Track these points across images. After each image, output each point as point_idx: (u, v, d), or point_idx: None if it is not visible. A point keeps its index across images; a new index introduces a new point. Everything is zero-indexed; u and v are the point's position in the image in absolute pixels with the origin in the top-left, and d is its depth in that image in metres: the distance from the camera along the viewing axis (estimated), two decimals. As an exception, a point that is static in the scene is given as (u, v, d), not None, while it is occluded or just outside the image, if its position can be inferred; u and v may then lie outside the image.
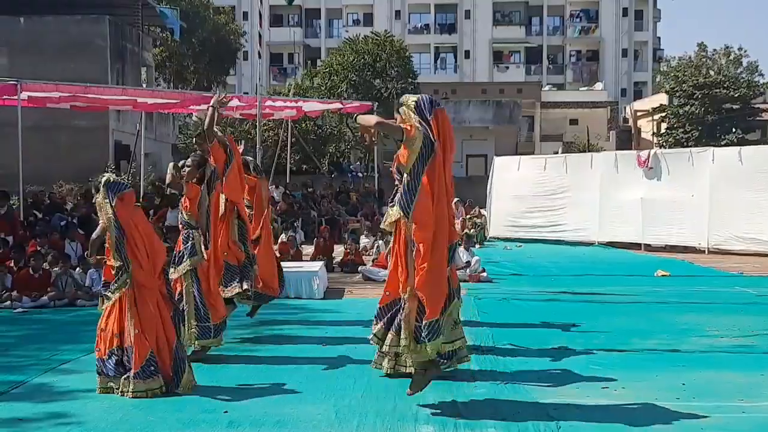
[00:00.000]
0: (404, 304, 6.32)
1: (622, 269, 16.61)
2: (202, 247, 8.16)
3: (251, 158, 10.05)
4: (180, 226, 8.45)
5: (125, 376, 6.80)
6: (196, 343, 8.11)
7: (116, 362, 6.89)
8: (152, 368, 6.79)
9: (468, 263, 14.78)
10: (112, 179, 7.12)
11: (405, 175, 6.24)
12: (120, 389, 6.81)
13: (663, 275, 15.39)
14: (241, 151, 9.43)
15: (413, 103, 6.36)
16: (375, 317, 6.72)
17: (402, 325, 6.31)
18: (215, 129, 8.60)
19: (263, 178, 10.31)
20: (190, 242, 8.18)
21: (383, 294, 6.68)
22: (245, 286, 8.86)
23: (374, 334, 6.68)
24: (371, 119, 6.80)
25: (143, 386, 6.73)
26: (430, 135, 6.19)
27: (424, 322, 6.14)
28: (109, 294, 7.00)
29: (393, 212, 6.43)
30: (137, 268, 6.92)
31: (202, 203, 8.24)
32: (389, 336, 6.50)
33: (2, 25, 28.68)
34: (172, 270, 8.01)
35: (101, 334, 7.02)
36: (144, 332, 6.87)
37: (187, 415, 6.15)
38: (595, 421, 5.91)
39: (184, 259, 8.16)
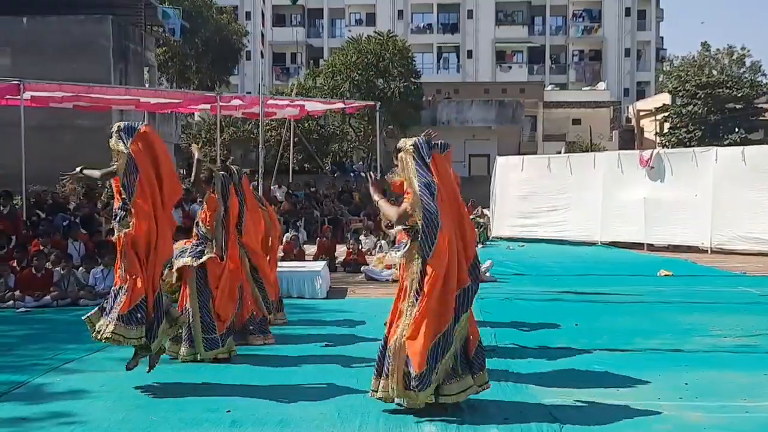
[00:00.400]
0: (394, 347, 6.09)
1: (624, 269, 16.59)
2: (210, 254, 8.15)
3: (256, 194, 10.09)
4: (195, 236, 8.43)
5: (107, 317, 6.80)
6: (206, 354, 8.05)
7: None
8: (139, 315, 6.80)
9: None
10: (124, 125, 7.08)
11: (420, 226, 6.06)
12: (97, 330, 6.81)
13: (666, 275, 15.38)
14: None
15: (411, 147, 6.23)
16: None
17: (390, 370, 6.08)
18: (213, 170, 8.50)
19: (266, 209, 10.33)
20: (198, 248, 8.20)
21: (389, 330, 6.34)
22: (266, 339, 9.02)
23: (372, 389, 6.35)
24: (390, 214, 6.35)
25: (123, 331, 6.74)
26: (431, 182, 6.08)
27: (413, 373, 5.93)
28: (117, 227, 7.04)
29: (403, 253, 6.24)
30: (140, 210, 6.90)
31: (217, 217, 8.24)
32: (381, 382, 6.21)
33: (5, 25, 28.69)
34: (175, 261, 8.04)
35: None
36: (137, 276, 6.85)
37: (189, 415, 6.16)
38: (598, 421, 5.91)
39: (185, 255, 8.16)
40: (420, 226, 6.03)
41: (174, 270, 8.08)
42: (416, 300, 6.05)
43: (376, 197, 6.58)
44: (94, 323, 6.96)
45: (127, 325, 6.80)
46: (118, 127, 7.06)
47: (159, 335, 7.05)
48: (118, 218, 7.01)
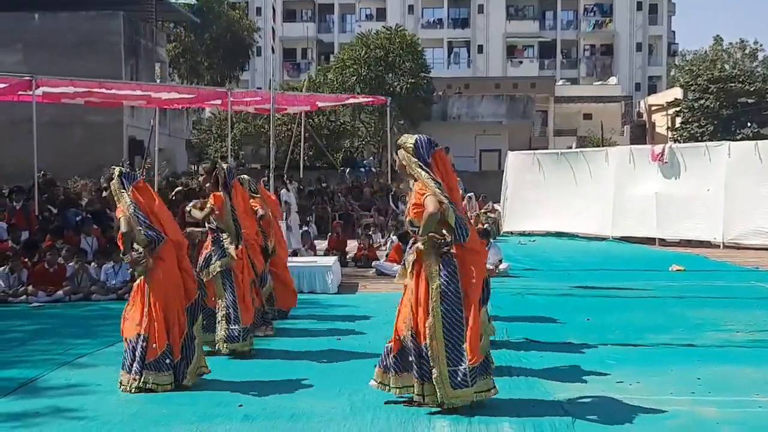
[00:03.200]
0: (427, 348, 5.91)
1: (636, 264, 16.56)
2: (232, 247, 8.18)
3: (246, 177, 10.04)
4: (208, 230, 8.47)
5: (135, 369, 6.73)
6: (225, 346, 8.09)
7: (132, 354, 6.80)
8: (167, 361, 6.78)
9: (500, 261, 14.84)
10: (124, 170, 7.12)
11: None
12: (127, 384, 6.74)
13: (678, 270, 15.33)
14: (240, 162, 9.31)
15: (411, 145, 6.15)
16: (381, 364, 6.22)
17: (432, 372, 5.89)
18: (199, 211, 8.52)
19: (260, 195, 10.28)
20: (219, 244, 8.23)
21: (393, 338, 6.15)
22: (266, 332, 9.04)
23: (382, 383, 6.18)
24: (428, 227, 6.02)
25: (153, 378, 6.70)
26: (438, 182, 6.01)
27: (463, 367, 5.85)
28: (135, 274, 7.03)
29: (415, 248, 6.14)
30: (164, 244, 6.88)
31: (225, 208, 8.26)
32: (416, 384, 5.99)
33: (17, 22, 28.82)
34: (203, 273, 8.11)
35: (125, 322, 6.98)
36: (159, 321, 6.81)
37: (201, 409, 6.17)
38: (610, 416, 5.89)
39: (212, 261, 8.21)
40: (433, 205, 5.89)
41: (211, 277, 8.17)
42: (446, 297, 5.95)
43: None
44: (125, 384, 6.80)
45: (157, 372, 6.72)
46: (120, 171, 7.07)
47: (189, 373, 6.90)
48: (140, 262, 6.90)
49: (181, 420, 5.93)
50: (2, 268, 12.46)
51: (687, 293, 12.34)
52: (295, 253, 15.71)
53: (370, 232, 18.19)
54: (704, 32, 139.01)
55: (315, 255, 16.13)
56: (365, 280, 14.35)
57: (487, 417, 5.85)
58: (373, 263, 15.44)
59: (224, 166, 8.51)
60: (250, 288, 8.52)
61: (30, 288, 12.22)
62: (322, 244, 17.85)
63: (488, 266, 14.59)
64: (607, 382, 6.85)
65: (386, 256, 16.35)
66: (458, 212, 6.01)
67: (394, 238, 17.12)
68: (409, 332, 6.02)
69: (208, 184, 8.42)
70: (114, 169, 7.18)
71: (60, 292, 12.24)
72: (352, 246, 17.61)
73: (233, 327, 8.09)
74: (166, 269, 6.87)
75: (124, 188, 6.95)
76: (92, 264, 13.05)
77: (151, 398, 6.53)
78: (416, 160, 6.11)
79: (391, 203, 23.80)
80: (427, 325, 5.93)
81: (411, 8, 69.30)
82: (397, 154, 6.29)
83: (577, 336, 8.89)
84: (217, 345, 8.12)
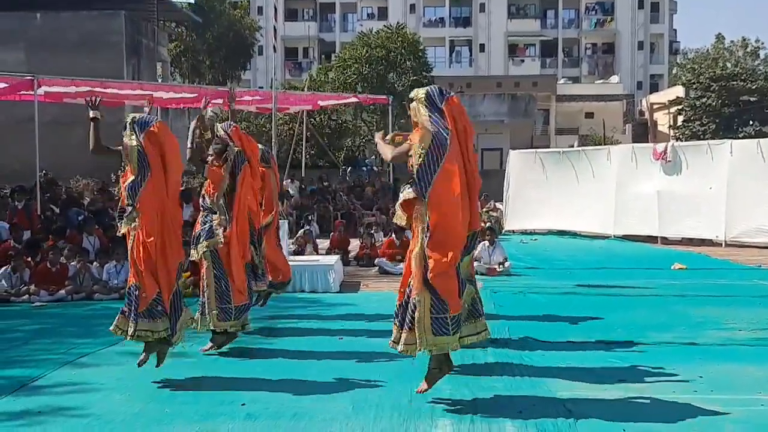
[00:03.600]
0: (415, 297, 6.01)
1: (638, 263, 16.54)
2: (221, 230, 8.16)
3: (264, 147, 10.01)
4: (201, 208, 8.51)
5: (131, 317, 6.88)
6: (219, 325, 8.11)
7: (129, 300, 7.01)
8: (159, 308, 6.88)
9: (505, 260, 14.84)
10: (138, 117, 7.08)
11: (418, 164, 6.02)
12: (127, 333, 6.93)
13: (680, 268, 15.31)
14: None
15: (423, 95, 6.17)
16: (394, 319, 6.36)
17: (415, 321, 6.00)
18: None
19: (271, 167, 10.24)
20: (207, 225, 8.23)
21: (399, 292, 6.32)
22: (258, 286, 8.97)
23: (393, 340, 6.31)
24: (386, 153, 6.53)
25: (147, 326, 6.85)
26: (442, 129, 6.01)
27: (444, 316, 5.98)
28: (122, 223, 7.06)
29: (406, 193, 6.15)
30: (149, 207, 6.92)
31: (221, 185, 8.24)
32: (403, 335, 6.13)
33: (18, 21, 28.85)
34: (192, 251, 8.17)
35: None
36: (149, 272, 6.89)
37: (204, 408, 6.17)
38: (612, 415, 5.89)
39: (201, 240, 8.21)
40: (423, 158, 5.97)
41: (200, 256, 8.20)
42: (426, 237, 6.00)
43: (376, 139, 6.73)
44: (123, 328, 7.01)
45: (151, 320, 6.87)
46: (132, 119, 7.07)
47: (178, 329, 7.09)
48: (125, 214, 7.02)
49: (184, 419, 5.94)
50: (5, 267, 12.46)
51: (689, 292, 12.32)
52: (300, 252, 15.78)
53: (372, 231, 18.18)
54: (706, 30, 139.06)
55: (317, 254, 16.13)
56: (367, 279, 14.35)
57: (489, 416, 5.86)
58: (376, 261, 15.45)
59: (235, 149, 8.43)
60: (246, 270, 8.47)
61: (32, 287, 12.23)
62: (324, 243, 17.85)
63: (492, 265, 14.69)
64: (609, 381, 6.83)
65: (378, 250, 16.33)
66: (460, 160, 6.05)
67: (395, 236, 17.12)
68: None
69: (215, 164, 8.36)
70: (128, 117, 7.17)
71: (62, 292, 12.25)
72: (354, 245, 17.61)
73: (225, 306, 8.10)
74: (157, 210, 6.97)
75: (136, 135, 6.95)
76: (94, 263, 13.06)
77: (153, 397, 6.54)
78: (428, 108, 6.11)
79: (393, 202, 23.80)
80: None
81: (413, 7, 69.30)
82: (408, 106, 6.30)
83: (579, 335, 8.89)
84: (209, 324, 8.12)
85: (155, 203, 6.95)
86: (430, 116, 6.09)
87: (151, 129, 6.98)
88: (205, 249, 8.16)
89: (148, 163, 6.90)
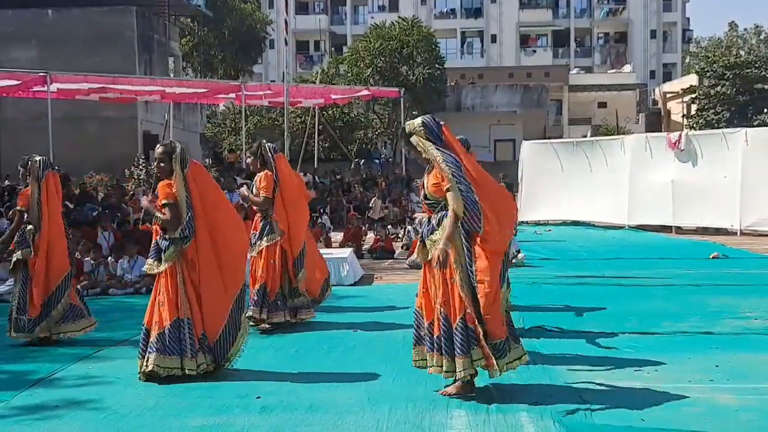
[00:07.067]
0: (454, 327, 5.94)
1: (652, 252, 16.48)
2: (278, 226, 8.68)
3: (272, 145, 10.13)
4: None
5: (190, 353, 6.76)
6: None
7: (171, 338, 6.74)
8: (205, 344, 6.87)
9: (518, 251, 14.75)
10: (179, 148, 6.90)
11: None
12: (181, 367, 6.75)
13: (716, 257, 15.14)
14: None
15: (422, 129, 6.04)
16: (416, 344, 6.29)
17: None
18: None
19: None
20: (267, 226, 8.77)
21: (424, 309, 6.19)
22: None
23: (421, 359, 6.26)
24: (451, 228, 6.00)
25: (198, 362, 6.79)
26: (455, 160, 5.94)
27: (491, 343, 5.89)
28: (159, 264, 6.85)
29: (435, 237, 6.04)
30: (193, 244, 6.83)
31: (269, 186, 8.74)
32: (444, 361, 6.00)
33: (30, 18, 28.97)
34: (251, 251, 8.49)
35: (153, 308, 6.88)
36: (194, 306, 6.85)
37: (219, 401, 6.20)
38: (628, 404, 5.87)
39: (261, 240, 8.73)
40: (456, 203, 5.87)
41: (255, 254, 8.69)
42: (470, 272, 5.95)
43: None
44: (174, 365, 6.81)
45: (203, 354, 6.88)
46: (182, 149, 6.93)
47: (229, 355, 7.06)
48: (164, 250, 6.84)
49: (199, 412, 5.96)
50: (21, 263, 12.50)
51: (704, 281, 12.28)
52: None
53: (386, 224, 18.19)
54: (719, 18, 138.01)
55: (330, 247, 16.13)
56: (381, 271, 14.35)
57: (504, 405, 5.85)
58: (408, 261, 14.90)
59: (267, 145, 8.92)
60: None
61: (48, 283, 12.27)
62: (338, 236, 17.87)
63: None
64: (624, 371, 6.82)
65: (402, 247, 16.29)
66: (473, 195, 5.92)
67: (410, 228, 17.11)
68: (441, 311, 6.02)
69: (257, 166, 8.87)
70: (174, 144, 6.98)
71: (78, 287, 12.28)
72: (368, 238, 17.61)
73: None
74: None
75: (179, 168, 6.78)
76: (109, 258, 13.11)
77: (169, 390, 6.56)
78: (432, 141, 6.05)
79: (405, 194, 23.79)
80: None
81: (424, -1, 69.11)
82: (409, 142, 6.16)
83: (593, 324, 8.87)
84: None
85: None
86: (437, 148, 5.97)
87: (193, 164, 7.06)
88: (265, 245, 8.74)
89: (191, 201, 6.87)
